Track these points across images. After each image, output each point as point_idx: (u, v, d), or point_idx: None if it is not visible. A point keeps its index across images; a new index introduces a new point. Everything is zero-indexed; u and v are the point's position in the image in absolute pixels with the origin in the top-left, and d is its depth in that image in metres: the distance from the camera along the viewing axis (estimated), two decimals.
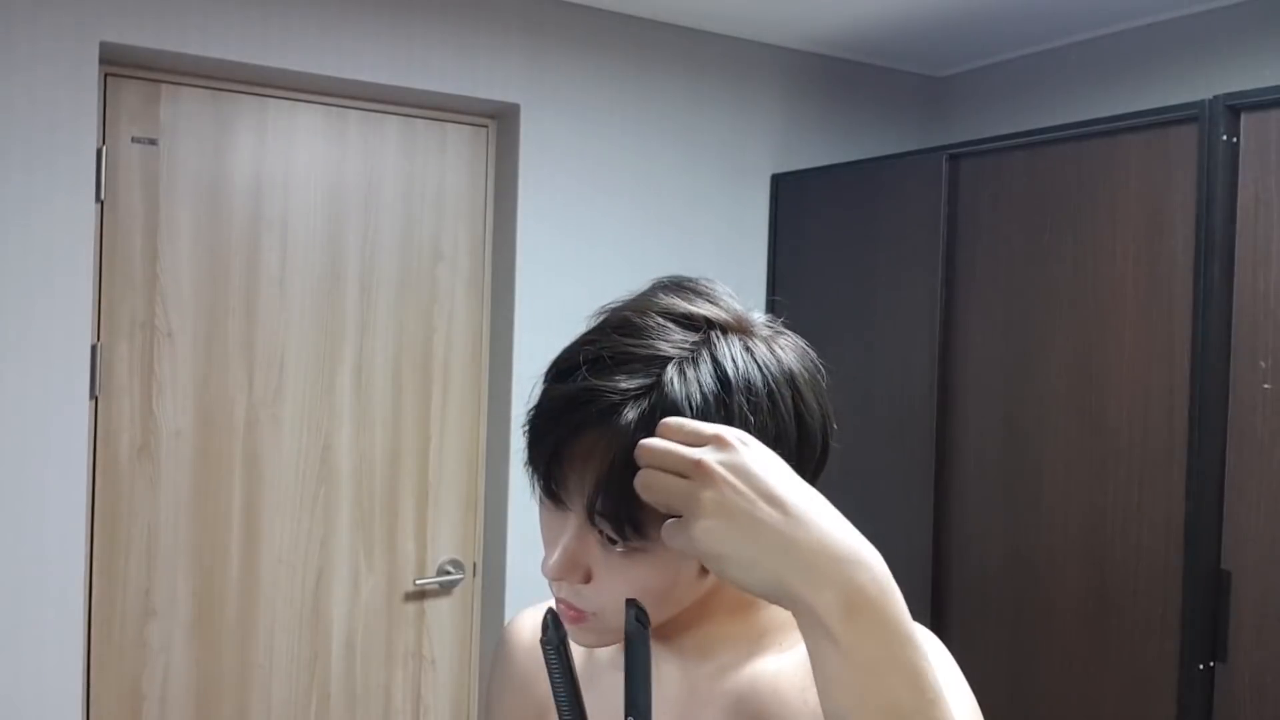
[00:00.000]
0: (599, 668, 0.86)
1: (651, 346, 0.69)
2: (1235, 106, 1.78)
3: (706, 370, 0.68)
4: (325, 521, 2.39)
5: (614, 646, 0.86)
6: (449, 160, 2.52)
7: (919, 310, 2.34)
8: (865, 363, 2.48)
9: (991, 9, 2.52)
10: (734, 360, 0.69)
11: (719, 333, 0.70)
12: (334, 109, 2.38)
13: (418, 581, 2.49)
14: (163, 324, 2.21)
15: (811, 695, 0.72)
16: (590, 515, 0.69)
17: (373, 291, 2.43)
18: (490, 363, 2.56)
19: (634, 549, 0.69)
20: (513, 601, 2.46)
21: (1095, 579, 1.98)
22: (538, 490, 0.73)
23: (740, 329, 0.72)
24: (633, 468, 0.65)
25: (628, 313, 0.72)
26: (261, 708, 2.33)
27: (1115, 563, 1.95)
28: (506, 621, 1.00)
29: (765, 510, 0.59)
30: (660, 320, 0.70)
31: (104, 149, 2.12)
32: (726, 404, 0.67)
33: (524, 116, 2.46)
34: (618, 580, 0.71)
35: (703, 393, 0.67)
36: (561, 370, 0.72)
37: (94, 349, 2.12)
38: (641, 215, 2.61)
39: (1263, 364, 1.72)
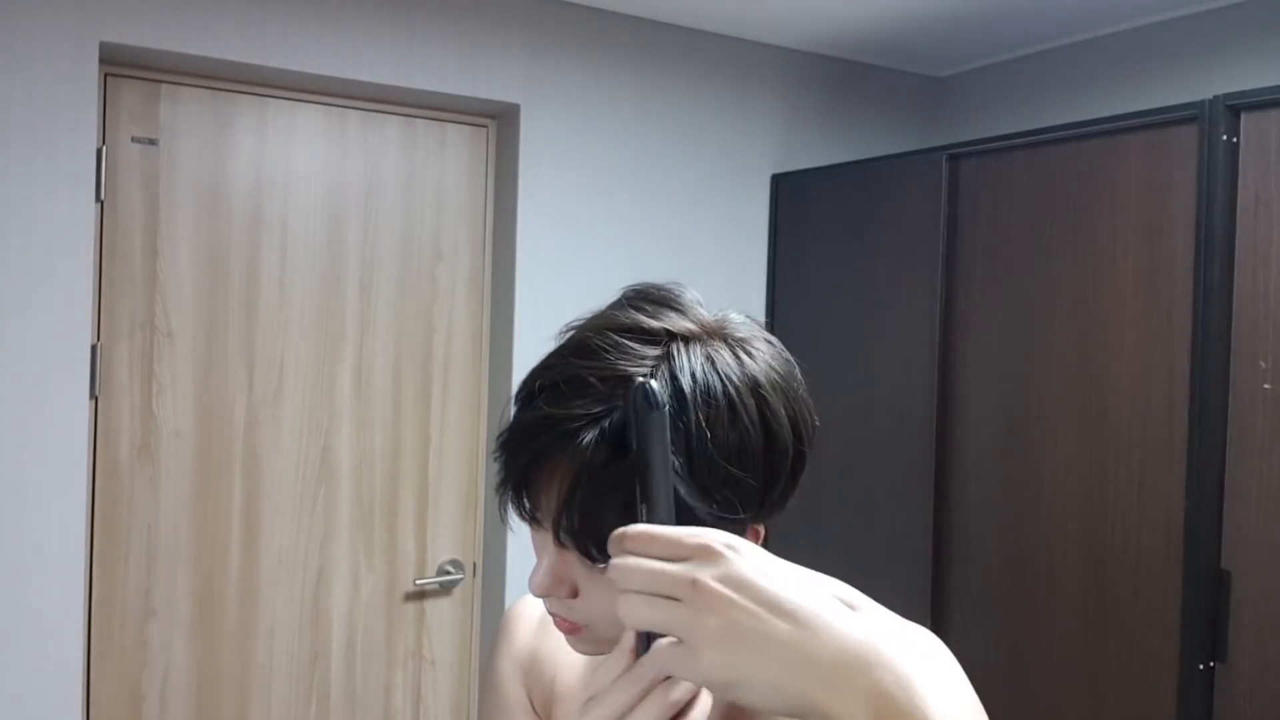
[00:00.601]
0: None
1: (609, 368, 0.67)
2: (1235, 106, 1.78)
3: (666, 390, 0.66)
4: (325, 521, 2.39)
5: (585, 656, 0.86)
6: (449, 160, 2.52)
7: (919, 310, 2.34)
8: (865, 363, 2.48)
9: (991, 9, 2.52)
10: (692, 374, 0.67)
11: (680, 344, 0.68)
12: (334, 109, 2.38)
13: (418, 581, 2.49)
14: (163, 324, 2.21)
15: None
16: (558, 537, 0.69)
17: (373, 291, 2.43)
18: (490, 363, 2.56)
19: None
20: (513, 601, 2.46)
21: (1095, 579, 1.98)
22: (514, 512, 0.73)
23: (706, 336, 0.70)
24: (593, 490, 0.64)
25: (587, 333, 0.71)
26: (261, 708, 2.33)
27: (1115, 562, 1.95)
28: (508, 606, 1.00)
29: (775, 625, 0.53)
30: (618, 339, 0.69)
31: (104, 149, 2.12)
32: (684, 421, 0.65)
33: (524, 116, 2.46)
34: (603, 594, 0.69)
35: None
36: (523, 398, 0.71)
37: (94, 349, 2.12)
38: (641, 215, 2.61)
39: (1263, 364, 1.72)
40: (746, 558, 0.56)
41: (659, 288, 0.75)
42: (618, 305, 0.74)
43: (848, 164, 2.67)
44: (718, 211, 2.72)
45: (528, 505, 0.70)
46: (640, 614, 0.56)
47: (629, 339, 0.69)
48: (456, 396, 2.53)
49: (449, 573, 2.53)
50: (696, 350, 0.68)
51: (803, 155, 2.84)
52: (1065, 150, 2.07)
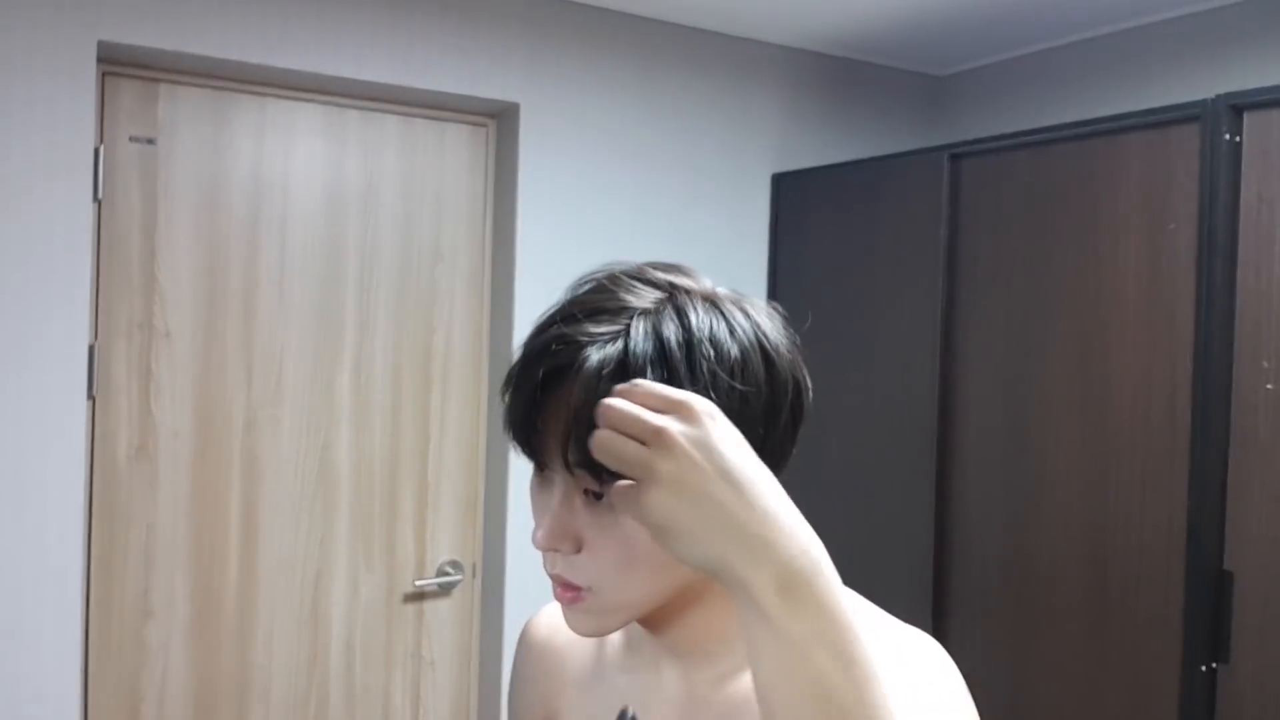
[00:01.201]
0: (606, 669, 0.86)
1: (620, 300, 0.71)
2: (1237, 105, 1.77)
3: (673, 323, 0.70)
4: (324, 522, 2.38)
5: (621, 645, 0.86)
6: (449, 160, 2.51)
7: (920, 310, 2.33)
8: (866, 363, 2.47)
9: (992, 9, 2.52)
10: (700, 314, 0.71)
11: (684, 294, 0.73)
12: (333, 108, 2.37)
13: (417, 582, 2.48)
14: (161, 324, 2.20)
15: None
16: (568, 466, 0.69)
17: (372, 291, 2.42)
18: (490, 363, 2.55)
19: None
20: (512, 602, 2.46)
21: (1097, 579, 1.97)
22: (521, 455, 0.74)
23: (709, 297, 0.74)
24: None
25: (596, 277, 0.76)
26: (260, 708, 2.32)
27: (1117, 563, 1.94)
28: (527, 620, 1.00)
29: (719, 487, 0.57)
30: (630, 281, 0.73)
31: (102, 148, 2.11)
32: (691, 355, 0.68)
33: (524, 116, 2.45)
34: (610, 543, 0.71)
35: (667, 342, 0.68)
36: (535, 330, 0.74)
37: (92, 349, 2.11)
38: (641, 215, 2.60)
39: (1265, 364, 1.72)
40: (718, 427, 0.59)
41: (663, 262, 0.79)
42: (624, 263, 0.78)
43: (848, 163, 2.67)
44: (718, 211, 2.72)
45: (537, 436, 0.71)
46: (608, 445, 0.59)
47: (640, 282, 0.73)
48: (456, 396, 2.52)
49: (448, 573, 2.52)
50: (699, 299, 0.72)
51: (803, 155, 2.84)
52: (1067, 150, 2.06)
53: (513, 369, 0.73)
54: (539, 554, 0.75)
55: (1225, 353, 1.77)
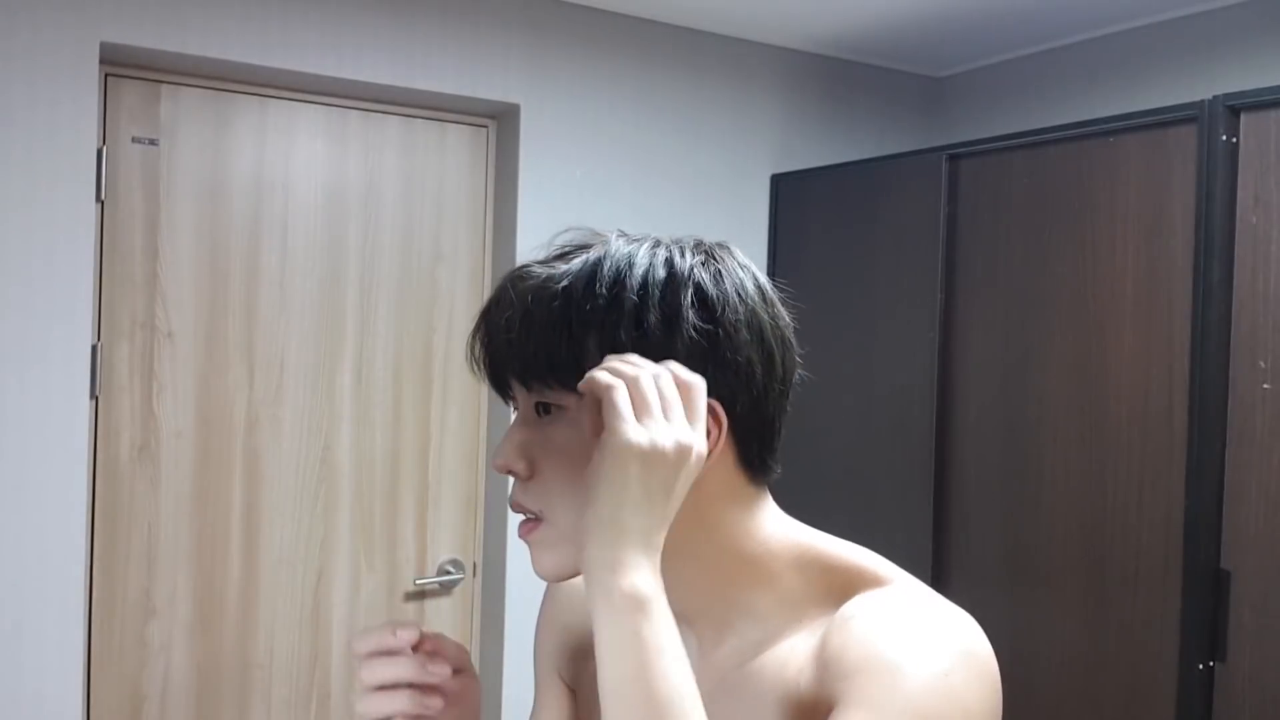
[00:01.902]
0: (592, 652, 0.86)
1: (566, 246, 0.78)
2: (1235, 106, 1.78)
3: (608, 253, 0.74)
4: (325, 521, 2.39)
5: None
6: (449, 160, 2.52)
7: (919, 310, 2.34)
8: (865, 363, 2.48)
9: (991, 9, 2.52)
10: (642, 249, 0.75)
11: (625, 236, 0.78)
12: (334, 109, 2.38)
13: (418, 581, 2.49)
14: (163, 324, 2.21)
15: (805, 675, 0.71)
16: (515, 373, 0.74)
17: (373, 291, 2.43)
18: None
19: (560, 408, 0.74)
20: (513, 601, 2.46)
21: (1094, 579, 1.98)
22: (495, 391, 0.79)
23: (658, 240, 0.78)
24: (561, 313, 0.71)
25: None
26: (261, 708, 2.33)
27: (1115, 562, 1.95)
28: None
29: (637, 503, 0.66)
30: (585, 235, 0.79)
31: (104, 149, 2.12)
32: (616, 279, 0.73)
33: (524, 116, 2.46)
34: (552, 457, 0.74)
35: (599, 265, 0.73)
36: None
37: (94, 349, 2.12)
38: (641, 215, 2.61)
39: (1262, 364, 1.72)
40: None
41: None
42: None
43: (848, 164, 2.67)
44: (718, 211, 2.72)
45: (493, 361, 0.75)
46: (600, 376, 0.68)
47: (592, 235, 0.79)
48: (456, 396, 2.53)
49: (449, 573, 2.53)
50: (685, 246, 0.77)
51: (803, 155, 2.85)
52: (1065, 150, 2.07)
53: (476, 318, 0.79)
54: None
55: (1222, 352, 1.78)
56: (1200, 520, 1.79)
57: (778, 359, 0.76)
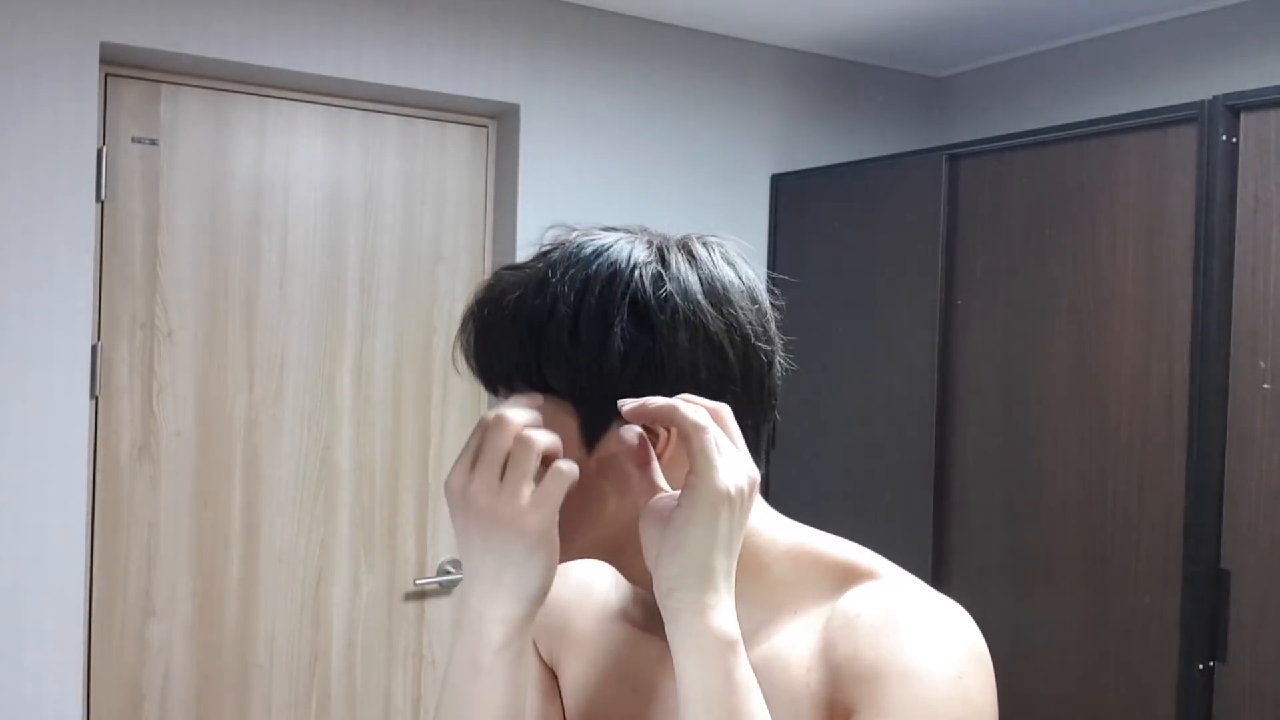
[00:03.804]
0: (609, 622, 0.87)
1: (546, 246, 0.79)
2: (1235, 106, 1.78)
3: (570, 254, 0.75)
4: (325, 521, 2.39)
5: (627, 600, 0.88)
6: (449, 160, 2.52)
7: (919, 310, 2.34)
8: (865, 363, 2.48)
9: (991, 9, 2.52)
10: (616, 245, 0.76)
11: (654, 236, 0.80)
12: (334, 109, 2.38)
13: (418, 581, 2.49)
14: (163, 324, 2.21)
15: (815, 675, 0.72)
16: (488, 377, 0.77)
17: (373, 291, 2.43)
18: None
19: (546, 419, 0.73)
20: None
21: (1094, 579, 1.98)
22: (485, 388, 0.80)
23: (647, 235, 0.80)
24: (511, 325, 0.74)
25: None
26: (261, 707, 2.33)
27: (1115, 562, 1.95)
28: None
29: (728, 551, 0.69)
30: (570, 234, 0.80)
31: (104, 149, 2.12)
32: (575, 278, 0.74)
33: (524, 116, 2.46)
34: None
35: (567, 260, 0.75)
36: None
37: (94, 349, 2.12)
38: (641, 215, 2.59)
39: (1262, 364, 1.72)
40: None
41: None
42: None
43: (848, 164, 2.67)
44: (717, 211, 2.72)
45: (478, 361, 0.78)
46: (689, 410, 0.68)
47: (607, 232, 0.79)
48: (456, 397, 2.53)
49: (449, 572, 2.53)
50: (664, 243, 0.78)
51: (803, 155, 2.85)
52: (1065, 150, 2.07)
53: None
54: None
55: (1222, 352, 1.78)
56: (1200, 520, 1.79)
57: (732, 359, 0.74)
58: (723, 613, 0.66)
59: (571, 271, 0.73)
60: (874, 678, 0.69)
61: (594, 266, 0.73)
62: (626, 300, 0.72)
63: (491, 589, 0.69)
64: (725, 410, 0.69)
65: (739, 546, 0.68)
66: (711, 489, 0.65)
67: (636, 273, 0.73)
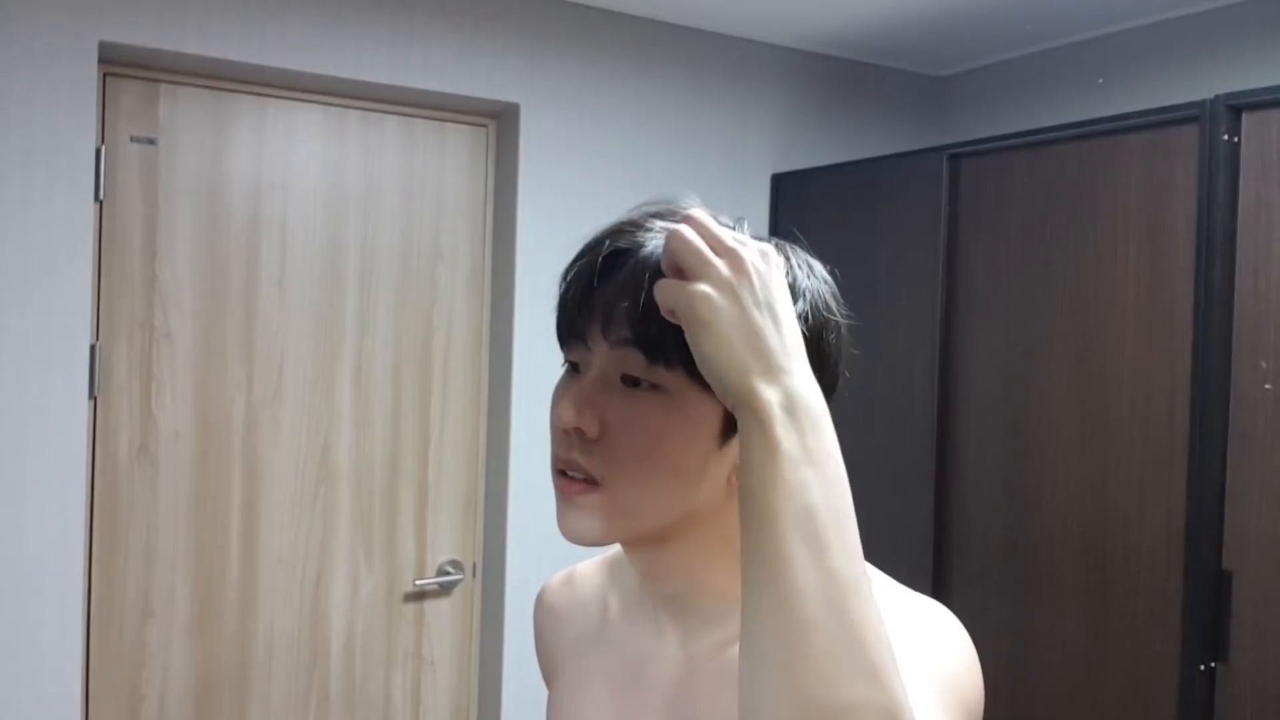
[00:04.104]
0: (606, 631, 0.87)
1: (673, 212, 0.75)
2: (1236, 106, 1.77)
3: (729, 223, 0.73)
4: (324, 522, 2.39)
5: (621, 609, 0.86)
6: (449, 160, 2.51)
7: (920, 310, 2.34)
8: (866, 363, 2.47)
9: (991, 9, 2.52)
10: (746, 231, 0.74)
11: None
12: (334, 109, 2.38)
13: (417, 582, 2.49)
14: (162, 324, 2.21)
15: None
16: (617, 340, 0.70)
17: (372, 291, 2.42)
18: (490, 363, 2.56)
19: (655, 387, 0.71)
20: (513, 601, 2.46)
21: (1096, 579, 1.98)
22: (564, 347, 0.75)
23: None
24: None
25: (642, 208, 0.78)
26: (260, 708, 2.32)
27: (1116, 563, 1.94)
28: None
29: (762, 313, 0.62)
30: (696, 204, 0.75)
31: (103, 149, 2.12)
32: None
33: (524, 116, 2.46)
34: (632, 430, 0.71)
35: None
36: (594, 234, 0.76)
37: (93, 349, 2.12)
38: None
39: (1264, 364, 1.72)
40: (774, 269, 0.65)
41: None
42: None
43: (848, 164, 2.67)
44: (718, 211, 2.71)
45: (587, 316, 0.72)
46: (679, 245, 0.63)
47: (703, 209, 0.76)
48: (456, 396, 2.53)
49: (448, 573, 2.52)
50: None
51: (803, 155, 2.84)
52: (1066, 150, 2.07)
53: (571, 261, 0.76)
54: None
55: (1224, 353, 1.78)
56: (1201, 521, 1.79)
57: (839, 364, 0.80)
58: (794, 379, 0.62)
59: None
60: None
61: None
62: (817, 295, 0.75)
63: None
64: (695, 213, 0.65)
65: (790, 319, 0.64)
66: (696, 292, 0.61)
67: (818, 272, 0.77)
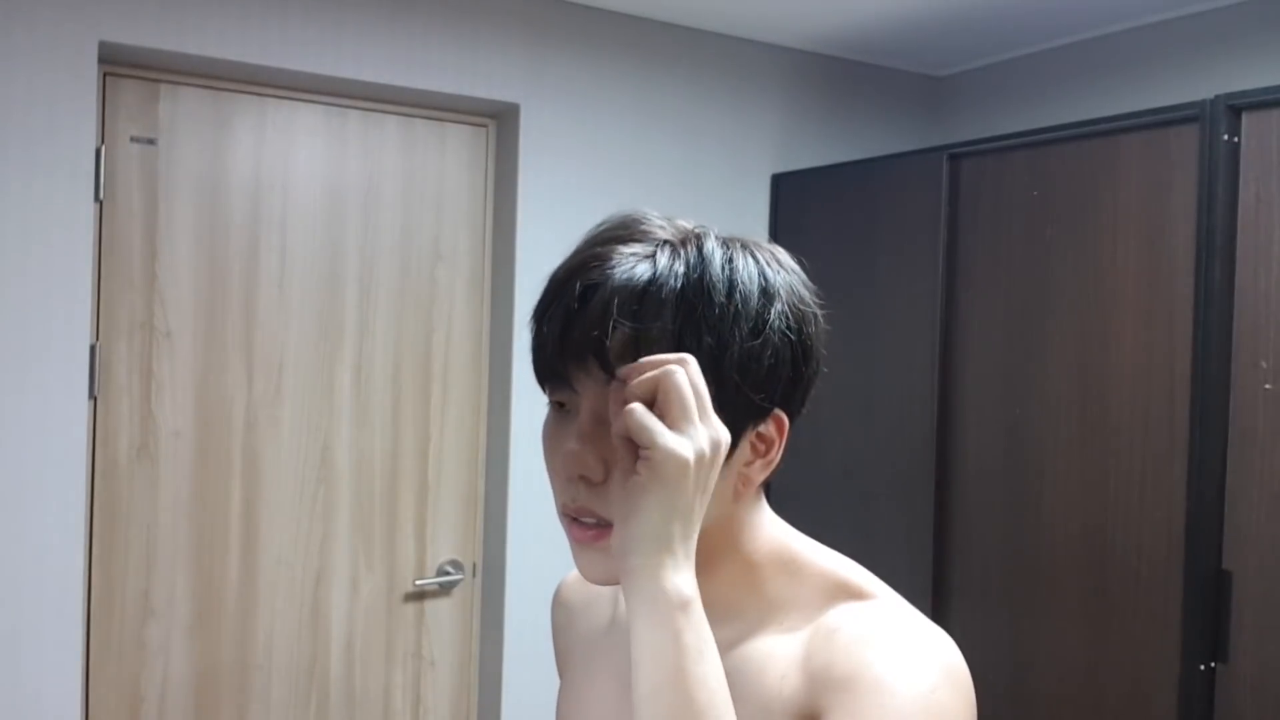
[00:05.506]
0: (617, 628, 0.88)
1: (647, 231, 0.75)
2: (1236, 106, 1.77)
3: (695, 253, 0.72)
4: (324, 522, 2.39)
5: (607, 619, 0.89)
6: (449, 160, 2.51)
7: (920, 310, 2.34)
8: (866, 363, 2.48)
9: (991, 9, 2.52)
10: (720, 255, 0.73)
11: (708, 236, 0.75)
12: (334, 109, 2.37)
13: (417, 582, 2.49)
14: (162, 324, 2.21)
15: (789, 682, 0.72)
16: (606, 375, 0.69)
17: (372, 291, 2.42)
18: (490, 363, 2.56)
19: None
20: (513, 601, 2.46)
21: (1096, 579, 1.98)
22: (546, 388, 0.74)
23: (729, 239, 0.77)
24: (646, 305, 0.69)
25: (620, 218, 0.78)
26: (260, 709, 2.32)
27: (1116, 563, 1.94)
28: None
29: (697, 502, 0.67)
30: (655, 219, 0.77)
31: (103, 149, 2.12)
32: (708, 285, 0.71)
33: (524, 116, 2.46)
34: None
35: (690, 267, 0.71)
36: (562, 263, 0.75)
37: (93, 349, 2.12)
38: None
39: (1263, 364, 1.72)
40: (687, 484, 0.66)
41: None
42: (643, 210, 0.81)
43: (848, 164, 2.67)
44: (718, 211, 2.72)
45: (566, 355, 0.71)
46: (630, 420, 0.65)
47: (663, 221, 0.77)
48: (456, 396, 2.53)
49: (448, 573, 2.52)
50: (718, 238, 0.75)
51: (803, 155, 2.84)
52: (1066, 150, 2.07)
53: (542, 296, 0.74)
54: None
55: (1223, 353, 1.78)
56: (1201, 521, 1.79)
57: (813, 365, 0.80)
58: (675, 572, 0.65)
59: (732, 269, 0.73)
60: (846, 687, 0.69)
61: (745, 266, 0.74)
62: (783, 304, 0.74)
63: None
64: (691, 362, 0.66)
65: (702, 511, 0.67)
66: (670, 455, 0.64)
67: (789, 278, 0.77)
